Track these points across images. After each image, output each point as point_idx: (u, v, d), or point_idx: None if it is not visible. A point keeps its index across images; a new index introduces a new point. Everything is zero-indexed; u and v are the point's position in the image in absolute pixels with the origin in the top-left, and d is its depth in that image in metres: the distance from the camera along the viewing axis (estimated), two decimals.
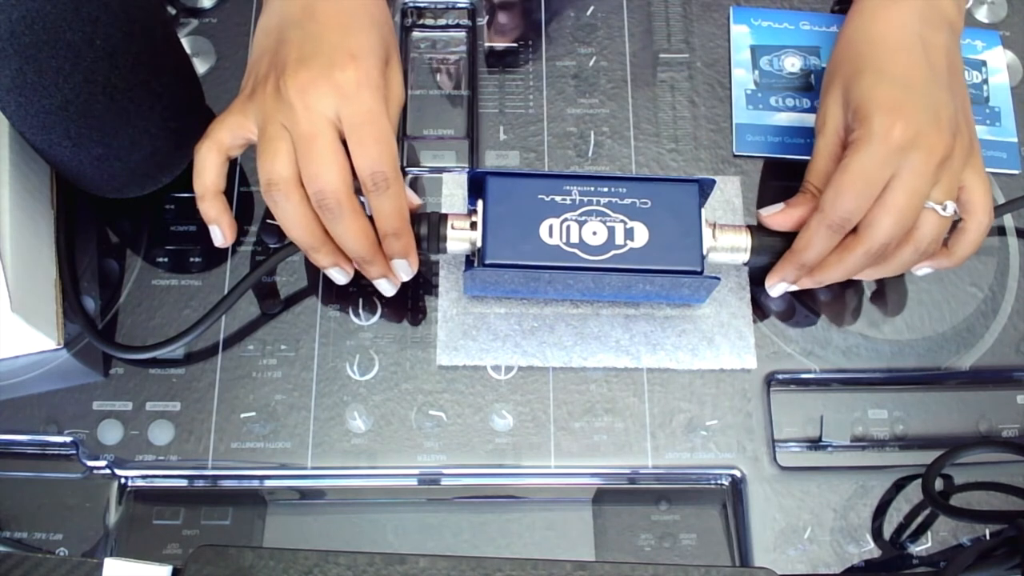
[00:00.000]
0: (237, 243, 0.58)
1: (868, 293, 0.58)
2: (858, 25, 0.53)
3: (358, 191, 0.48)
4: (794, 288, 0.54)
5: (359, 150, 0.47)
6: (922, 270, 0.54)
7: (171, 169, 0.56)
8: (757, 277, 0.58)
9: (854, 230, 0.50)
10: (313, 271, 0.57)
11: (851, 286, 0.58)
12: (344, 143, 0.47)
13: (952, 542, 0.54)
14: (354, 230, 0.48)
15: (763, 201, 0.59)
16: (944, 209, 0.49)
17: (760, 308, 0.57)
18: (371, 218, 0.49)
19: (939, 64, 0.51)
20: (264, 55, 0.49)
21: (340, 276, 0.52)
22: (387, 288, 0.53)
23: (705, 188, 0.52)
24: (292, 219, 0.48)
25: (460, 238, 0.51)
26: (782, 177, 0.60)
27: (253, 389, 0.55)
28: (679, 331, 0.56)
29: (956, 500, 0.53)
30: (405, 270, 0.51)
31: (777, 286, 0.54)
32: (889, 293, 0.58)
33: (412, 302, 0.57)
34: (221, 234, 0.51)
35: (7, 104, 0.47)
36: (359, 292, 0.57)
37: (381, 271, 0.51)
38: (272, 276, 0.57)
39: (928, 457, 0.53)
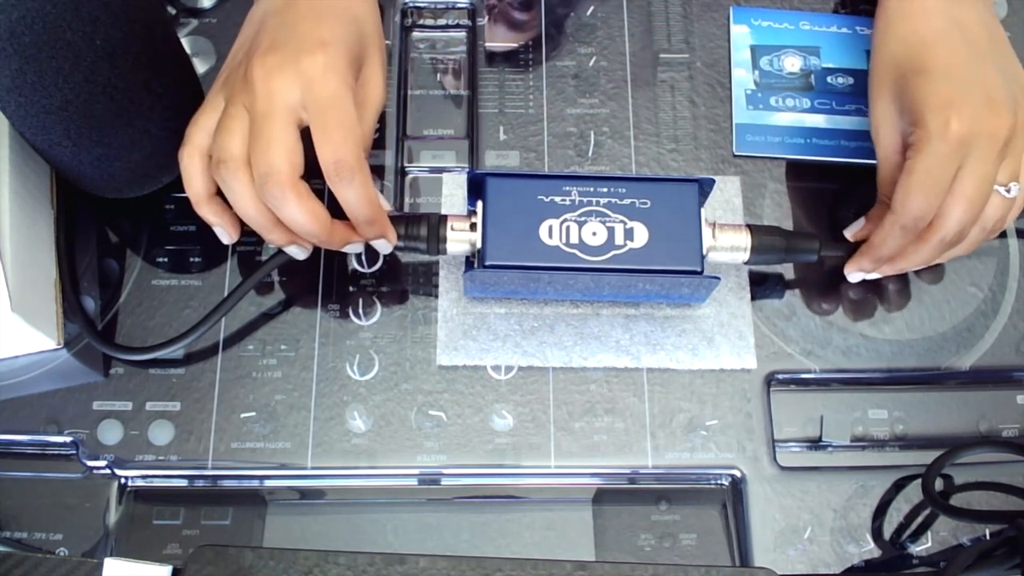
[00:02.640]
0: (237, 243, 0.57)
1: (868, 293, 0.58)
2: (890, 26, 0.53)
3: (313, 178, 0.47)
4: (874, 276, 0.55)
5: (322, 136, 0.46)
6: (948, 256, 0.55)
7: (171, 169, 0.56)
8: (757, 277, 0.58)
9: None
10: (313, 271, 0.57)
11: (852, 285, 0.58)
12: (305, 136, 0.46)
13: (952, 542, 0.54)
14: (302, 213, 0.47)
15: (763, 201, 0.59)
16: (1008, 192, 0.50)
17: (760, 308, 0.57)
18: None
19: (979, 40, 0.51)
20: (241, 47, 0.49)
21: (299, 252, 0.51)
22: (353, 250, 0.52)
23: (705, 188, 0.52)
24: (241, 199, 0.47)
25: (460, 239, 0.51)
26: (782, 177, 0.60)
27: (253, 389, 0.55)
28: (679, 331, 0.56)
29: (956, 500, 0.53)
30: (384, 248, 0.51)
31: (855, 275, 0.55)
32: (889, 293, 0.58)
33: (412, 302, 0.57)
34: (226, 233, 0.51)
35: (7, 104, 0.47)
36: (359, 292, 0.57)
37: (342, 242, 0.50)
38: (272, 276, 0.57)
39: (928, 457, 0.53)
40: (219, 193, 0.50)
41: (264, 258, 0.57)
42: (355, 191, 0.47)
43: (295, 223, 0.47)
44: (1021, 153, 0.50)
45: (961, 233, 0.50)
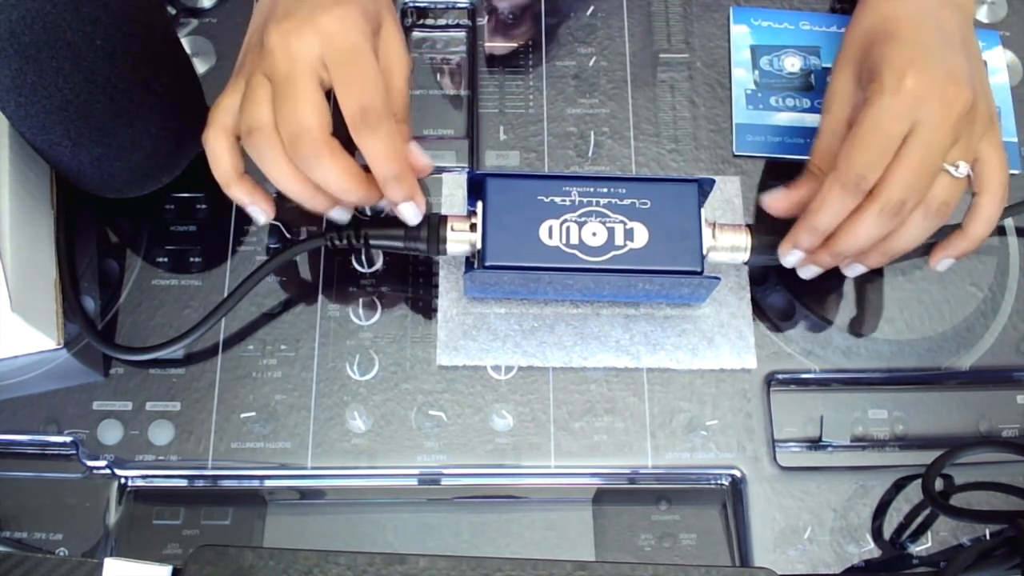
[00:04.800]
0: (237, 243, 0.58)
1: (869, 293, 0.58)
2: (869, 7, 0.52)
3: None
4: (813, 270, 0.52)
5: (345, 87, 0.45)
6: (943, 263, 0.52)
7: (171, 169, 0.56)
8: (757, 277, 0.58)
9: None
10: (313, 271, 0.57)
11: (852, 285, 0.58)
12: (328, 95, 0.46)
13: (952, 542, 0.54)
14: (337, 171, 0.46)
15: None
16: (957, 169, 0.47)
17: (760, 308, 0.57)
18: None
19: (952, 35, 0.50)
20: (256, 30, 0.49)
21: (342, 215, 0.50)
22: (410, 212, 0.49)
23: (705, 188, 0.52)
24: (276, 166, 0.46)
25: (460, 240, 0.51)
26: (782, 177, 0.60)
27: (253, 389, 0.55)
28: (679, 331, 0.56)
29: (956, 500, 0.53)
30: (413, 213, 0.49)
31: (791, 254, 0.51)
32: (889, 293, 0.58)
33: (412, 302, 0.57)
34: (261, 211, 0.50)
35: (7, 104, 0.47)
36: (359, 292, 0.57)
37: (379, 198, 0.48)
38: (272, 276, 0.57)
39: (928, 457, 0.53)
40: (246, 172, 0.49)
41: (264, 258, 0.57)
42: (381, 141, 0.46)
43: (330, 181, 0.46)
44: (975, 140, 0.48)
45: (902, 206, 0.47)
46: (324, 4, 0.46)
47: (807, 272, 0.52)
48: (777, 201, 0.51)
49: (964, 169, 0.48)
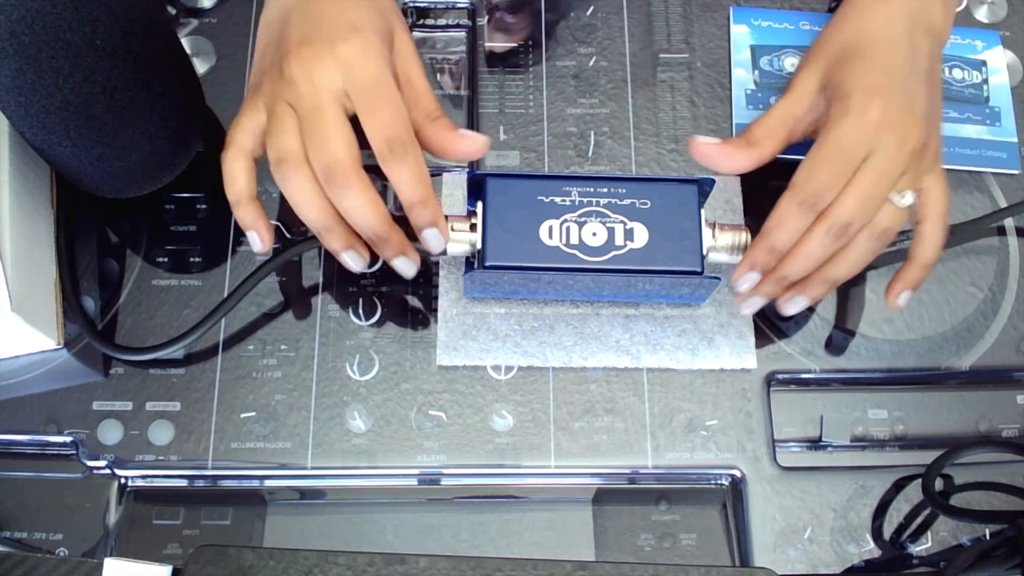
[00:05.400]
0: (237, 243, 0.58)
1: (868, 293, 0.58)
2: (849, 16, 0.53)
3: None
4: (756, 302, 0.52)
5: (370, 118, 0.46)
6: (902, 297, 0.53)
7: (171, 169, 0.56)
8: None
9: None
10: (313, 271, 0.57)
11: (852, 285, 0.58)
12: (352, 120, 0.46)
13: (952, 542, 0.54)
14: (364, 203, 0.47)
15: (763, 202, 0.59)
16: (903, 199, 0.49)
17: (760, 308, 0.57)
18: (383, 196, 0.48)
19: (921, 65, 0.51)
20: (268, 47, 0.49)
21: (355, 261, 0.50)
22: (407, 268, 0.50)
23: (705, 188, 0.52)
24: (302, 196, 0.47)
25: (460, 240, 0.51)
26: (782, 177, 0.60)
27: (253, 389, 0.55)
28: (679, 331, 0.56)
29: (956, 500, 0.53)
30: (437, 239, 0.49)
31: (746, 277, 0.50)
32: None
33: (412, 302, 0.57)
34: (259, 239, 0.50)
35: (7, 104, 0.47)
36: (359, 292, 0.57)
37: (398, 249, 0.49)
38: (272, 276, 0.57)
39: (928, 457, 0.53)
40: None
41: (264, 258, 0.57)
42: (408, 168, 0.47)
43: (357, 213, 0.47)
44: (921, 175, 0.50)
45: (848, 228, 0.48)
46: (339, 30, 0.46)
47: (750, 306, 0.52)
48: (706, 147, 0.51)
49: (910, 199, 0.49)
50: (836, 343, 0.57)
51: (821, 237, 0.48)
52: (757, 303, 0.52)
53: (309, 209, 0.47)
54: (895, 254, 0.57)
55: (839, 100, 0.49)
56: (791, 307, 0.52)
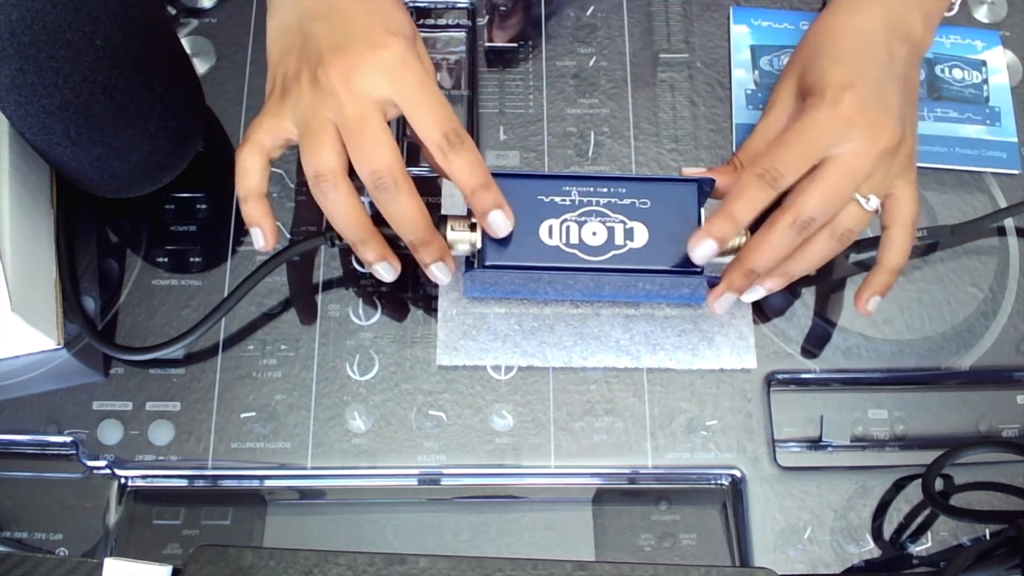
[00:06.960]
0: (237, 243, 0.58)
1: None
2: (824, 24, 0.54)
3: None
4: (728, 298, 0.51)
5: (421, 119, 0.47)
6: (872, 302, 0.53)
7: (171, 169, 0.56)
8: None
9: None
10: (313, 271, 0.57)
11: (852, 285, 0.58)
12: (390, 124, 0.47)
13: (952, 542, 0.54)
14: (412, 209, 0.47)
15: None
16: (868, 202, 0.49)
17: (760, 308, 0.57)
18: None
19: (897, 70, 0.52)
20: (289, 52, 0.49)
21: (388, 272, 0.50)
22: (444, 275, 0.50)
23: (705, 188, 0.52)
24: (341, 211, 0.47)
25: (460, 239, 0.51)
26: None
27: (253, 389, 0.55)
28: (679, 331, 0.56)
29: (956, 500, 0.53)
30: (503, 222, 0.49)
31: (703, 243, 0.49)
32: (889, 293, 0.58)
33: (412, 302, 0.57)
34: (263, 236, 0.50)
35: (7, 104, 0.47)
36: (359, 292, 0.57)
37: (438, 254, 0.49)
38: (272, 277, 0.57)
39: (928, 457, 0.53)
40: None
41: (264, 258, 0.57)
42: (467, 156, 0.47)
43: (403, 218, 0.48)
44: (891, 178, 0.50)
45: (810, 223, 0.48)
46: (375, 37, 0.47)
47: (722, 304, 0.52)
48: (693, 173, 0.54)
49: (874, 203, 0.50)
50: (836, 343, 0.57)
51: (785, 229, 0.49)
52: (728, 299, 0.52)
53: (347, 223, 0.48)
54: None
55: (814, 95, 0.50)
56: (749, 295, 0.52)
